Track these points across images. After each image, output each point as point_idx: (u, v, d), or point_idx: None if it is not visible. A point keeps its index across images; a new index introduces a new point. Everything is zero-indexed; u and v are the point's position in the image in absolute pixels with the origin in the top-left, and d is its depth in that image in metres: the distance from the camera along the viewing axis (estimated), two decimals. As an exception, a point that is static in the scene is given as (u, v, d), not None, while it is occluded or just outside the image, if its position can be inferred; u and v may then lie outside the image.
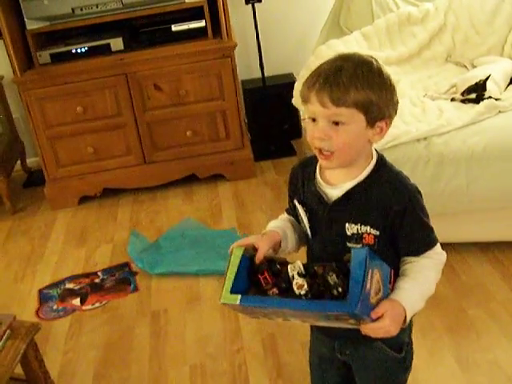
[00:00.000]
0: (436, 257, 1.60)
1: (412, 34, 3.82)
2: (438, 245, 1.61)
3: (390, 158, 2.77)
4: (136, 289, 3.24)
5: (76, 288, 3.31)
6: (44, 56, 3.98)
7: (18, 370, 2.02)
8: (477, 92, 3.11)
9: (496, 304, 2.76)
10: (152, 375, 2.66)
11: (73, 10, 3.88)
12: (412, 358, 1.79)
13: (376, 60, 1.54)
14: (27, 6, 3.87)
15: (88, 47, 4.01)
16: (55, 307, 3.19)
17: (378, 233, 1.55)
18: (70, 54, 4.00)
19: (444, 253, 1.62)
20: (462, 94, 3.17)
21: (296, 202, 1.66)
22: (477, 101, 3.08)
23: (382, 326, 1.44)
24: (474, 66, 3.60)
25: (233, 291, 1.47)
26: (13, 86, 4.16)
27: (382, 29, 3.83)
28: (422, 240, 1.59)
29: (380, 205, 1.54)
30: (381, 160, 1.60)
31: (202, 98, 4.02)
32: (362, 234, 1.56)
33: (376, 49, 3.79)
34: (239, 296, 1.46)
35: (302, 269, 1.49)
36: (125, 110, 4.01)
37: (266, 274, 1.51)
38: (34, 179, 4.62)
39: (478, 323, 2.67)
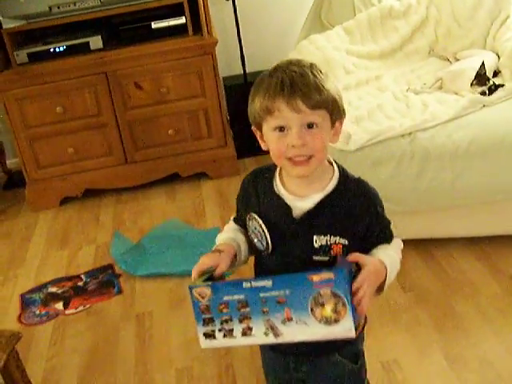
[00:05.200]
0: (396, 240, 1.65)
1: (394, 28, 3.80)
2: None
3: (373, 154, 2.80)
4: (120, 291, 3.19)
5: (59, 292, 3.26)
6: (21, 55, 3.90)
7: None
8: (484, 83, 3.12)
9: (484, 299, 2.75)
10: (138, 380, 2.62)
11: (50, 8, 3.82)
12: (366, 370, 1.78)
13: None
14: (3, 5, 3.80)
15: (66, 46, 3.94)
16: (38, 312, 3.13)
17: (346, 242, 1.54)
18: (48, 53, 3.93)
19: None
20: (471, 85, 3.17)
21: (255, 216, 1.60)
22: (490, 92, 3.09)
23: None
24: (456, 60, 3.58)
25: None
26: (-10, 87, 4.10)
27: (363, 23, 3.81)
28: (389, 235, 1.63)
29: (349, 214, 1.54)
30: (343, 171, 1.60)
31: (184, 95, 3.97)
32: (331, 244, 1.53)
33: (358, 43, 3.78)
34: (211, 282, 1.44)
35: None
36: (105, 109, 3.95)
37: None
38: (15, 181, 4.55)
39: (466, 319, 2.66)
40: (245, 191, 1.67)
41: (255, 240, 1.62)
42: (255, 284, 1.39)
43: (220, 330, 1.44)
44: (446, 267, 2.97)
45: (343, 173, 1.59)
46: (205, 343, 1.47)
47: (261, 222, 1.58)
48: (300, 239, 1.55)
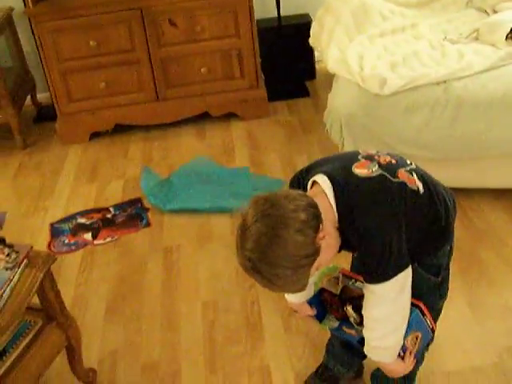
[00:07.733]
0: (383, 289, 1.59)
1: (433, -23, 3.74)
2: (398, 277, 1.57)
3: (407, 100, 2.80)
4: (148, 224, 3.24)
5: (88, 223, 3.31)
6: (57, -13, 3.90)
7: (35, 300, 2.03)
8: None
9: (509, 250, 2.77)
10: (164, 310, 2.68)
11: None
12: (448, 288, 1.85)
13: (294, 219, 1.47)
14: None
15: (103, -21, 3.92)
16: (67, 241, 3.19)
17: None
18: (84, -14, 3.92)
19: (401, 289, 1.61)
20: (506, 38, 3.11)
21: None
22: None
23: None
24: (495, 12, 3.53)
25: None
26: (23, 19, 4.10)
27: (403, -30, 3.75)
28: (370, 276, 1.64)
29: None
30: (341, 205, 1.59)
31: (217, 35, 3.96)
32: None
33: (396, -10, 3.73)
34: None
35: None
36: (139, 45, 3.95)
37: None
38: (44, 114, 4.59)
39: (490, 268, 2.69)
40: None
41: None
42: None
43: None
44: (473, 217, 2.98)
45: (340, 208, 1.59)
46: None
47: None
48: None
